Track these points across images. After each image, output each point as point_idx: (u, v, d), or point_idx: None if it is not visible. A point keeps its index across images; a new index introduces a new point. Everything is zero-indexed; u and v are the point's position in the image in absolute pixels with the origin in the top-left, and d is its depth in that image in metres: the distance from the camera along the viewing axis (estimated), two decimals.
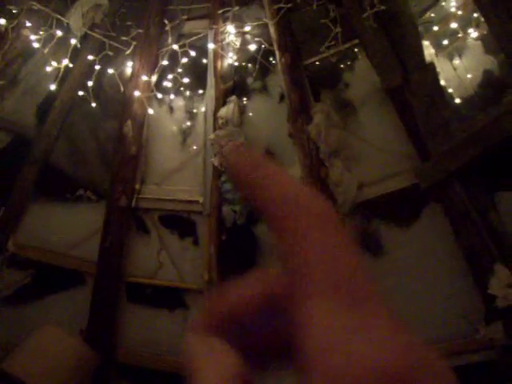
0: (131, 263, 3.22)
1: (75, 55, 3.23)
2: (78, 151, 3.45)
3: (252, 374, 0.22)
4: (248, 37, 3.28)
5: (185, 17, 3.43)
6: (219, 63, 3.32)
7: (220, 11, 3.35)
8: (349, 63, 3.05)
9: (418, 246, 2.67)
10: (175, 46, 3.23)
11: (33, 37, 3.07)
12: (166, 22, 3.34)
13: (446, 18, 2.88)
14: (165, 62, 3.31)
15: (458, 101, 2.79)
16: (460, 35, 2.82)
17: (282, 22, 3.12)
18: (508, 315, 2.25)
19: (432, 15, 2.92)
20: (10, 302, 3.14)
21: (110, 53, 3.22)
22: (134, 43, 3.27)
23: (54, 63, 3.12)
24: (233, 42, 3.27)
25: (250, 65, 3.32)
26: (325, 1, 3.03)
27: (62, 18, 3.13)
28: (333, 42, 2.97)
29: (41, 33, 3.06)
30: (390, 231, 2.77)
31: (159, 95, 3.33)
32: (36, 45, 3.08)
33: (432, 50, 2.88)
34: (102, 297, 3.12)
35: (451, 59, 2.86)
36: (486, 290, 2.30)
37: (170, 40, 3.29)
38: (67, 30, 3.16)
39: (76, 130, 3.46)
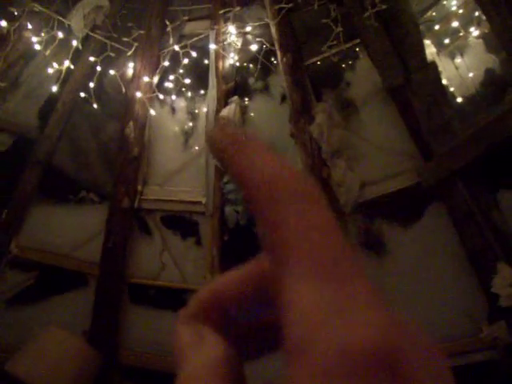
0: (134, 264, 3.22)
1: (77, 57, 3.24)
2: (80, 153, 3.45)
3: (240, 362, 0.22)
4: (249, 37, 3.28)
5: (186, 17, 3.43)
6: (221, 64, 3.32)
7: (221, 12, 3.35)
8: (350, 63, 3.05)
9: (421, 245, 2.66)
10: (176, 47, 3.23)
11: (34, 39, 3.07)
12: (167, 22, 3.34)
13: (448, 16, 2.87)
14: (166, 63, 3.31)
15: (459, 100, 2.78)
16: (461, 34, 2.81)
17: (283, 22, 3.12)
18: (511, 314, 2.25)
19: (433, 14, 2.91)
20: (13, 304, 3.14)
21: (112, 54, 3.22)
22: (136, 44, 3.27)
23: (56, 65, 3.13)
24: (234, 42, 3.27)
25: (251, 65, 3.32)
26: (326, 0, 3.03)
27: (63, 20, 3.13)
28: (334, 42, 2.96)
29: (42, 34, 3.06)
30: (392, 231, 2.77)
31: (161, 96, 3.33)
32: (37, 47, 3.08)
33: (433, 49, 2.88)
34: (105, 298, 3.12)
35: (453, 58, 2.85)
36: (489, 289, 2.29)
37: (171, 41, 3.29)
38: (68, 32, 3.17)
39: (78, 131, 3.46)
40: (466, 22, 2.78)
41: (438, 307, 2.49)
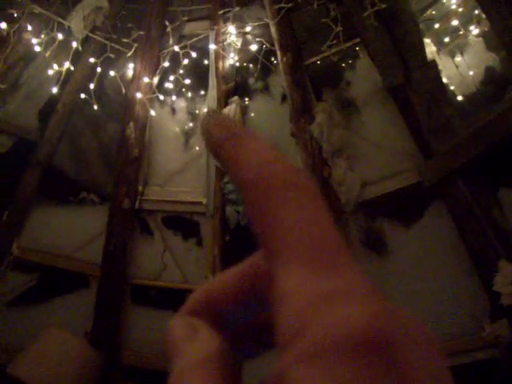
0: (135, 265, 3.22)
1: (77, 58, 3.24)
2: (81, 154, 3.45)
3: (236, 358, 0.22)
4: (249, 37, 3.29)
5: (185, 18, 3.43)
6: (221, 64, 3.32)
7: (221, 12, 3.35)
8: (350, 62, 3.05)
9: (422, 244, 2.66)
10: (176, 48, 3.24)
11: (34, 40, 3.07)
12: (167, 23, 3.34)
13: (447, 15, 2.87)
14: (166, 64, 3.32)
15: (460, 98, 2.78)
16: (461, 32, 2.81)
17: (283, 21, 3.12)
18: None
19: (433, 13, 2.91)
20: (15, 305, 3.14)
21: (112, 55, 3.23)
22: (136, 45, 3.28)
23: (56, 66, 3.13)
24: (234, 42, 3.27)
25: (251, 65, 3.32)
26: (325, 0, 3.03)
27: (63, 21, 3.14)
28: (334, 41, 2.96)
29: (42, 36, 3.07)
30: (393, 230, 2.76)
31: (161, 97, 3.34)
32: (37, 48, 3.09)
33: (433, 48, 2.88)
34: (107, 299, 3.12)
35: (453, 56, 2.85)
36: (491, 287, 2.29)
37: (171, 41, 3.30)
38: (68, 33, 3.17)
39: (78, 132, 3.46)
40: (466, 20, 2.78)
41: (439, 306, 2.48)
